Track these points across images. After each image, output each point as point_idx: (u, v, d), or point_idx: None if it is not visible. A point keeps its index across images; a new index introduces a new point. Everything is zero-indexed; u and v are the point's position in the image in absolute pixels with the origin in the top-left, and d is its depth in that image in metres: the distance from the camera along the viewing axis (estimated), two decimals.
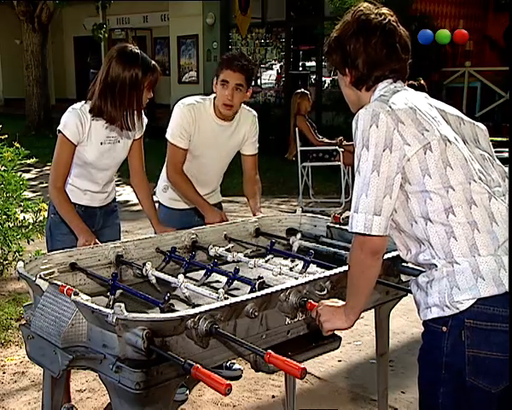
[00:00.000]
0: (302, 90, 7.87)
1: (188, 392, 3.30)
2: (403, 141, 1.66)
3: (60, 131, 2.70)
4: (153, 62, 2.73)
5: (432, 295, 1.69)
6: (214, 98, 3.11)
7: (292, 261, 2.67)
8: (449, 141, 1.69)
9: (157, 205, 3.30)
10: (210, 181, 3.30)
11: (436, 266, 1.69)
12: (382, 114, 1.67)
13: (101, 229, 2.97)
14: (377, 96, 1.80)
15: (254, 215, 3.10)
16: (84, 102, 2.75)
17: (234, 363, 3.49)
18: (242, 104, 3.20)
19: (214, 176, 3.31)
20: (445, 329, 1.66)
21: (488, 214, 1.67)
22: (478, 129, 1.85)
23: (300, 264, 2.55)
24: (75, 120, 2.69)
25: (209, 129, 3.12)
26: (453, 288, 1.64)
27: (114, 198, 3.10)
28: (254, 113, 3.30)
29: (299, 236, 2.80)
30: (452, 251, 1.66)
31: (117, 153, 2.86)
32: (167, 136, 3.12)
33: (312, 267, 2.51)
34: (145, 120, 2.92)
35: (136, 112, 2.71)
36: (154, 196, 3.10)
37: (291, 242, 2.78)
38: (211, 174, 3.28)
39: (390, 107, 1.70)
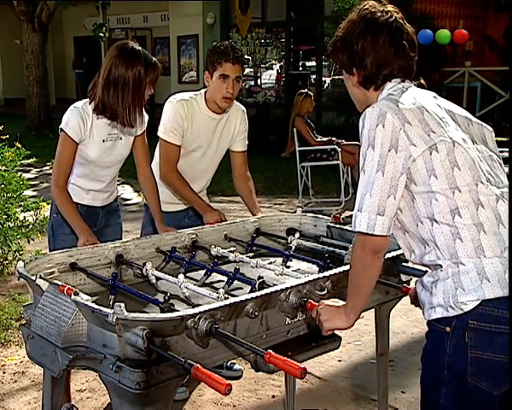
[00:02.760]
0: (306, 91, 7.86)
1: (187, 391, 3.29)
2: (409, 141, 1.65)
3: (62, 130, 2.71)
4: (154, 59, 2.74)
5: (436, 295, 1.68)
6: (205, 92, 3.11)
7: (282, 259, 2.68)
8: (457, 142, 1.68)
9: (144, 208, 3.29)
10: (201, 178, 3.26)
11: (441, 266, 1.68)
12: (389, 113, 1.67)
13: (102, 228, 2.97)
14: (385, 95, 1.80)
15: (254, 215, 3.09)
16: (85, 100, 2.76)
17: (234, 363, 3.48)
18: None
19: (206, 173, 3.27)
20: (448, 329, 1.66)
21: (495, 216, 1.66)
22: (486, 130, 1.84)
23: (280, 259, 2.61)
24: (77, 119, 2.69)
25: (202, 122, 3.11)
26: (458, 288, 1.64)
27: (116, 198, 3.10)
28: (243, 108, 3.29)
29: (297, 235, 2.81)
30: (458, 252, 1.65)
31: (119, 150, 2.86)
32: (159, 133, 3.09)
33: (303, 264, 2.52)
34: (146, 117, 2.92)
35: (138, 109, 2.72)
36: (138, 197, 3.06)
37: (289, 241, 2.78)
38: (203, 171, 3.24)
39: (397, 106, 1.69)
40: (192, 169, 3.18)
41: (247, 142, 3.30)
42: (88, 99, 2.75)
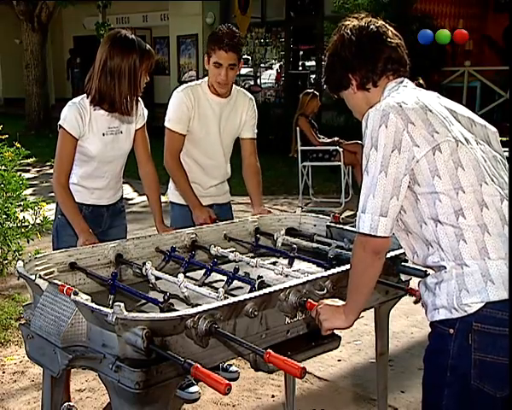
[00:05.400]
0: (313, 91, 7.86)
1: (200, 391, 3.27)
2: (412, 142, 1.65)
3: (60, 126, 2.71)
4: (148, 46, 2.75)
5: (440, 296, 1.67)
6: (208, 78, 3.14)
7: (277, 258, 2.69)
8: (460, 142, 1.67)
9: (170, 206, 3.31)
10: (218, 166, 3.27)
11: (445, 267, 1.67)
12: (392, 114, 1.66)
13: (107, 229, 2.96)
14: (387, 95, 1.80)
15: (255, 214, 3.08)
16: (82, 95, 2.76)
17: (231, 365, 3.47)
18: (239, 87, 3.28)
19: (221, 160, 3.27)
20: (452, 331, 1.65)
21: (500, 217, 1.65)
22: (489, 131, 1.83)
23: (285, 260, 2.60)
24: (74, 113, 2.70)
25: (209, 107, 3.15)
26: (462, 290, 1.63)
27: (121, 198, 3.09)
28: (251, 96, 3.34)
29: (282, 232, 2.82)
30: (462, 253, 1.64)
31: (120, 143, 2.86)
32: (166, 123, 3.13)
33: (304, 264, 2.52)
34: (145, 111, 2.93)
35: (135, 97, 2.73)
36: (162, 197, 3.05)
37: (275, 237, 2.79)
38: (217, 157, 3.25)
39: (400, 106, 1.68)
40: (207, 156, 3.21)
41: (256, 130, 3.32)
42: (85, 94, 2.75)
